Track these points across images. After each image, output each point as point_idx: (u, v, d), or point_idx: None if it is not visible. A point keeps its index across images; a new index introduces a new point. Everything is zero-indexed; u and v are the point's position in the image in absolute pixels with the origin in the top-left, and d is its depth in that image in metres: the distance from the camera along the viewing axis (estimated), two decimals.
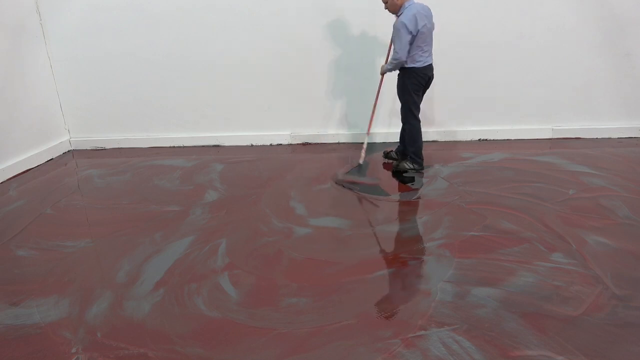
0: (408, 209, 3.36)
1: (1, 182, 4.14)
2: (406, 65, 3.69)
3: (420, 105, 3.93)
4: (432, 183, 3.77)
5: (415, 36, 3.55)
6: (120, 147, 5.18)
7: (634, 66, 4.61)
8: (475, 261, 2.57)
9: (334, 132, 5.03)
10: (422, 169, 4.03)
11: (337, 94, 4.89)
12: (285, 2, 4.58)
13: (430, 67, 3.75)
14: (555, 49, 4.60)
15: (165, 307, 2.29)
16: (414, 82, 3.74)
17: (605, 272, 2.42)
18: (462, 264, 2.54)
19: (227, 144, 5.12)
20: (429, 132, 4.88)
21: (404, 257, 2.67)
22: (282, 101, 4.94)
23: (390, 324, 2.10)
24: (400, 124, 4.07)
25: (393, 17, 3.84)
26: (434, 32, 3.75)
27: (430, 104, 4.84)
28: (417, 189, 3.66)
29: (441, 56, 4.66)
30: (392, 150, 4.38)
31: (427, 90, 3.94)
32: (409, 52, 3.61)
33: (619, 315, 2.09)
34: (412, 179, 3.87)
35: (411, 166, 4.00)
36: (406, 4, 3.60)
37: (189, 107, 5.02)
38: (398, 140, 4.27)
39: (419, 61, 3.66)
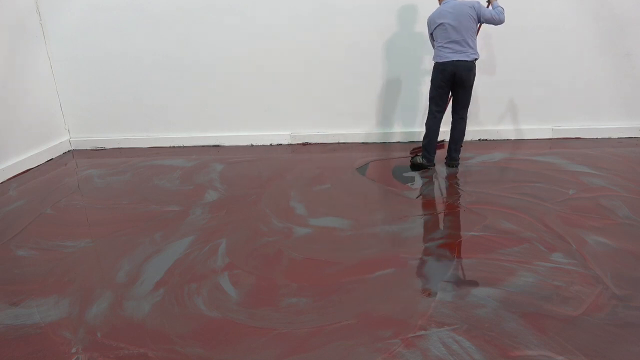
0: (408, 208, 3.36)
1: (1, 182, 4.14)
2: (433, 60, 3.88)
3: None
4: (432, 183, 3.77)
5: (432, 33, 3.81)
6: (120, 147, 5.18)
7: (634, 66, 4.61)
8: (475, 261, 2.57)
9: (334, 132, 5.03)
10: (430, 164, 4.04)
11: (337, 94, 4.89)
12: (286, 2, 4.58)
13: (450, 64, 3.70)
14: (555, 49, 4.60)
15: (165, 307, 2.29)
16: (434, 77, 3.85)
17: (605, 272, 2.42)
18: (462, 264, 2.54)
19: (227, 144, 5.12)
20: None
21: (404, 257, 2.67)
22: (282, 101, 4.94)
23: (390, 324, 2.10)
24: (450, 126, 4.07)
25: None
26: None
27: None
28: (417, 189, 3.67)
29: None
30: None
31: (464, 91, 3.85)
32: (433, 46, 3.90)
33: (619, 315, 2.09)
34: (412, 179, 3.87)
35: (421, 160, 4.06)
36: (444, 1, 3.76)
37: (189, 107, 5.02)
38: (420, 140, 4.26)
39: (438, 56, 3.78)
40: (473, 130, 4.91)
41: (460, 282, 2.37)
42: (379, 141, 4.97)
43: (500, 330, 2.02)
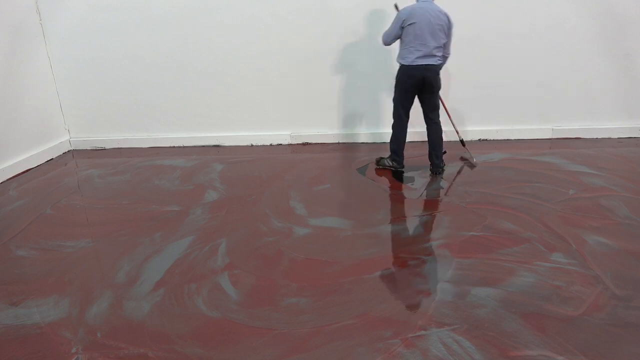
0: (408, 208, 3.36)
1: (1, 182, 4.14)
2: (399, 60, 3.75)
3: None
4: (432, 183, 3.77)
5: (403, 29, 3.63)
6: (120, 147, 5.18)
7: (633, 66, 4.61)
8: (475, 261, 2.57)
9: (334, 132, 5.03)
10: (401, 167, 4.01)
11: (337, 93, 4.89)
12: (285, 3, 4.58)
13: (418, 68, 3.63)
14: (555, 49, 4.60)
15: (165, 307, 2.29)
16: (401, 80, 3.76)
17: (605, 272, 2.42)
18: (462, 264, 2.54)
19: (227, 144, 5.12)
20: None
21: (404, 257, 2.67)
22: (282, 101, 4.94)
23: (390, 324, 2.10)
24: (425, 127, 3.98)
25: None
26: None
27: None
28: (417, 189, 3.67)
29: None
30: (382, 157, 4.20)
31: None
32: (393, 40, 3.75)
33: (619, 315, 2.09)
34: (412, 179, 3.87)
35: (390, 163, 4.04)
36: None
37: (189, 107, 5.02)
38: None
39: (405, 58, 3.67)
40: (473, 130, 4.92)
41: (460, 282, 2.37)
42: (378, 141, 4.97)
43: (500, 330, 2.02)
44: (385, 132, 4.95)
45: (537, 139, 4.86)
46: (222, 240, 2.93)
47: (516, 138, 4.90)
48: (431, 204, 3.38)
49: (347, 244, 2.85)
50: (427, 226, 3.04)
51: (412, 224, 3.10)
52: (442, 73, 4.60)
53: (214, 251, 2.80)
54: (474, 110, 4.85)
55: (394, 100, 3.88)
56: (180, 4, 4.64)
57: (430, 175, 3.94)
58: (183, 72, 4.87)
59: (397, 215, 3.24)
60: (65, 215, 3.45)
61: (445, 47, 3.71)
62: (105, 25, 4.74)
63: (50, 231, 3.18)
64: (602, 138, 4.81)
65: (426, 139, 3.95)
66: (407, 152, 4.06)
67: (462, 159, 4.35)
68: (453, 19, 3.66)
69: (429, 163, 3.97)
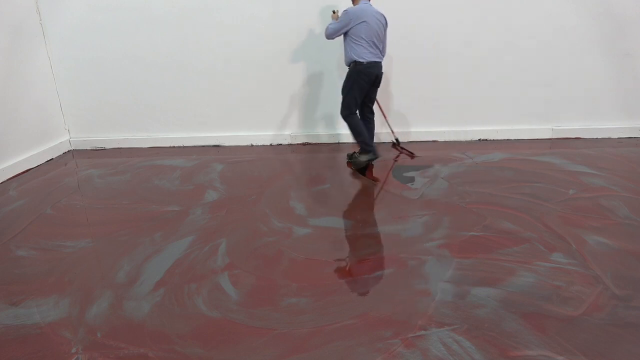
0: (408, 208, 3.36)
1: (1, 182, 4.14)
2: (355, 58, 3.84)
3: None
4: (432, 183, 3.77)
5: (351, 28, 3.77)
6: (120, 147, 5.18)
7: (634, 66, 4.61)
8: (475, 261, 2.57)
9: (334, 132, 5.03)
10: (377, 156, 4.10)
11: (337, 94, 4.88)
12: (285, 3, 4.58)
13: (376, 65, 3.88)
14: (555, 49, 4.60)
15: (165, 307, 2.29)
16: (359, 77, 3.88)
17: (605, 272, 2.42)
18: (462, 264, 2.54)
19: (227, 144, 5.12)
20: (428, 132, 4.89)
21: (404, 257, 2.67)
22: (282, 101, 4.94)
23: (390, 324, 2.10)
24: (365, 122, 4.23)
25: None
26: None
27: (430, 104, 4.84)
28: (417, 189, 3.67)
29: (441, 56, 4.67)
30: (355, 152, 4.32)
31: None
32: (337, 36, 3.89)
33: (619, 315, 2.09)
34: (412, 179, 3.87)
35: (366, 158, 4.09)
36: (362, 1, 3.83)
37: (189, 107, 5.02)
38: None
39: (361, 56, 3.81)
40: (473, 130, 4.92)
41: (460, 282, 2.37)
42: (378, 141, 4.97)
43: (500, 330, 2.02)
44: (386, 132, 4.96)
45: (537, 139, 4.86)
46: (222, 240, 2.93)
47: (516, 138, 4.90)
48: (431, 204, 3.38)
49: (347, 244, 2.85)
50: (427, 226, 3.04)
51: (412, 224, 3.10)
52: (441, 72, 4.67)
53: (214, 251, 2.80)
54: (474, 110, 4.86)
55: (349, 97, 3.95)
56: (180, 4, 4.64)
57: (372, 161, 4.19)
58: (183, 72, 4.87)
59: (397, 215, 3.24)
60: (65, 215, 3.45)
61: (383, 46, 3.98)
62: (105, 25, 4.74)
63: (50, 231, 3.18)
64: (602, 138, 4.81)
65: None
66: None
67: (396, 148, 4.71)
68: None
69: (371, 152, 4.13)
